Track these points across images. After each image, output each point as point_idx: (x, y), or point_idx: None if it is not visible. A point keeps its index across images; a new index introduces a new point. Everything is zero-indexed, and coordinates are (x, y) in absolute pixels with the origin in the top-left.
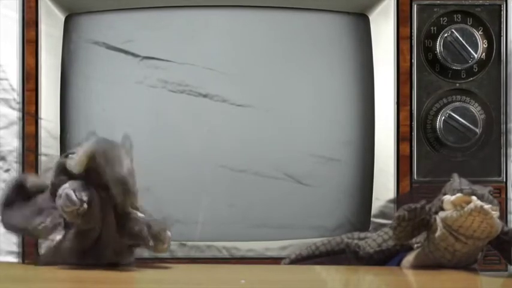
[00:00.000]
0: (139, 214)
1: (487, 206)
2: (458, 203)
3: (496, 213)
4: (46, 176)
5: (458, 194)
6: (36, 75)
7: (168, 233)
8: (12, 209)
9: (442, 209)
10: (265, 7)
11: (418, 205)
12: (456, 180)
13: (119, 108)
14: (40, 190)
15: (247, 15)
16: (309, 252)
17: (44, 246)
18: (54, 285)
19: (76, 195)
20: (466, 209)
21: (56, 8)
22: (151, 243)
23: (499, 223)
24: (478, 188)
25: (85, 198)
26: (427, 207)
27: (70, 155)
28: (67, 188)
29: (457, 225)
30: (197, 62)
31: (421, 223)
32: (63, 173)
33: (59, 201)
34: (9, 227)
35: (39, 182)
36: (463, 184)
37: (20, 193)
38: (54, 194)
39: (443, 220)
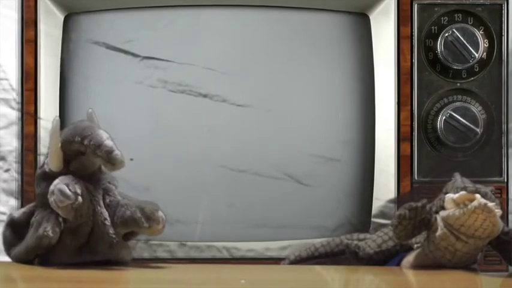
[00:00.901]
0: (128, 201)
1: (490, 204)
2: (462, 200)
3: (498, 212)
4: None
5: (462, 192)
6: (36, 74)
7: (161, 213)
8: (16, 247)
9: (443, 208)
10: (265, 6)
11: (419, 204)
12: (458, 179)
13: (119, 108)
14: (30, 215)
15: (248, 15)
16: (308, 253)
17: None
18: (53, 285)
19: (70, 189)
20: (469, 206)
21: (55, 7)
22: (145, 224)
23: (500, 222)
24: (481, 187)
25: (79, 191)
26: (427, 207)
27: (46, 160)
28: (59, 184)
29: (458, 224)
30: (197, 62)
31: (422, 222)
32: (44, 179)
33: (52, 198)
34: (22, 256)
35: (27, 208)
36: (466, 183)
37: (14, 229)
38: (42, 205)
39: (445, 219)
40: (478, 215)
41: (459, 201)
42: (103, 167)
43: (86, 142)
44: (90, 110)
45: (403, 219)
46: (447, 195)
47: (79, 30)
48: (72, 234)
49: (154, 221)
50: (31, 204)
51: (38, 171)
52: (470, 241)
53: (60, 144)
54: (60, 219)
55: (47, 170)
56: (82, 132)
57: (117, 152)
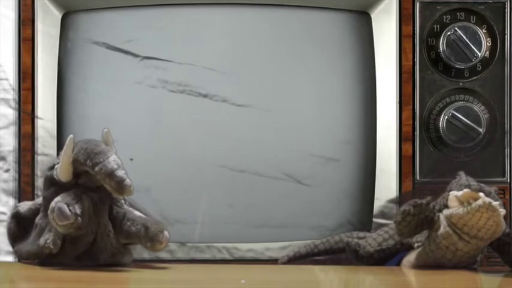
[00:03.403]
0: (136, 213)
1: (495, 203)
2: (466, 198)
3: (502, 212)
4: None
5: (466, 190)
6: (33, 74)
7: (166, 233)
8: (21, 242)
9: (446, 206)
10: (266, 5)
11: (424, 201)
12: (463, 177)
13: (119, 108)
14: (35, 212)
15: (248, 14)
16: (307, 250)
17: None
18: (53, 285)
19: (70, 209)
20: (473, 205)
21: (53, 6)
22: (148, 244)
23: (504, 223)
24: (485, 186)
25: (79, 211)
26: (431, 205)
27: (56, 166)
28: (59, 202)
29: (462, 223)
30: (197, 62)
31: (425, 220)
32: (52, 185)
33: (52, 215)
34: (24, 257)
35: (32, 203)
36: (470, 181)
37: (20, 223)
38: (47, 209)
39: (448, 217)
40: (482, 214)
41: (463, 199)
42: None
43: (96, 169)
44: (105, 130)
45: (407, 215)
46: (451, 192)
47: (77, 29)
48: (73, 244)
49: (157, 242)
50: (38, 201)
51: (47, 173)
52: (473, 241)
53: (71, 160)
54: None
55: (55, 176)
56: (94, 157)
57: (127, 181)
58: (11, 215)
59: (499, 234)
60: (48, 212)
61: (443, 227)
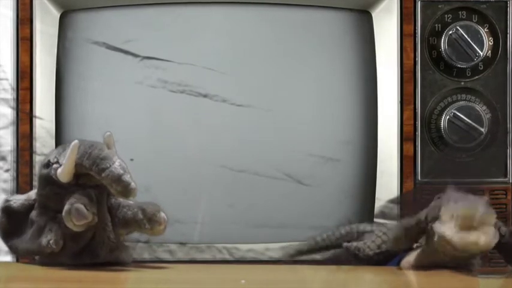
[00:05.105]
0: (130, 202)
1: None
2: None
3: (493, 222)
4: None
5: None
6: (31, 73)
7: (163, 214)
8: (16, 236)
9: (437, 218)
10: (265, 4)
11: (413, 222)
12: (450, 194)
13: (119, 108)
14: (28, 208)
15: (248, 13)
16: (308, 246)
17: None
18: (53, 285)
19: (87, 209)
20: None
21: (51, 5)
22: (147, 225)
23: (494, 238)
24: (471, 202)
25: (95, 210)
26: (423, 217)
27: (53, 165)
28: (76, 203)
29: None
30: (197, 62)
31: (419, 232)
32: (49, 183)
33: (68, 217)
34: (21, 253)
35: (25, 199)
36: (455, 201)
37: (10, 217)
38: (43, 206)
39: (441, 235)
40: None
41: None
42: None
43: (103, 175)
44: (108, 133)
45: (400, 238)
46: (442, 210)
47: (76, 28)
48: (74, 241)
49: (156, 223)
50: (31, 196)
51: (43, 171)
52: (467, 252)
53: (74, 164)
54: (62, 229)
55: (52, 175)
56: (100, 163)
57: (132, 185)
58: (1, 209)
59: (493, 245)
60: (63, 214)
61: (437, 237)
